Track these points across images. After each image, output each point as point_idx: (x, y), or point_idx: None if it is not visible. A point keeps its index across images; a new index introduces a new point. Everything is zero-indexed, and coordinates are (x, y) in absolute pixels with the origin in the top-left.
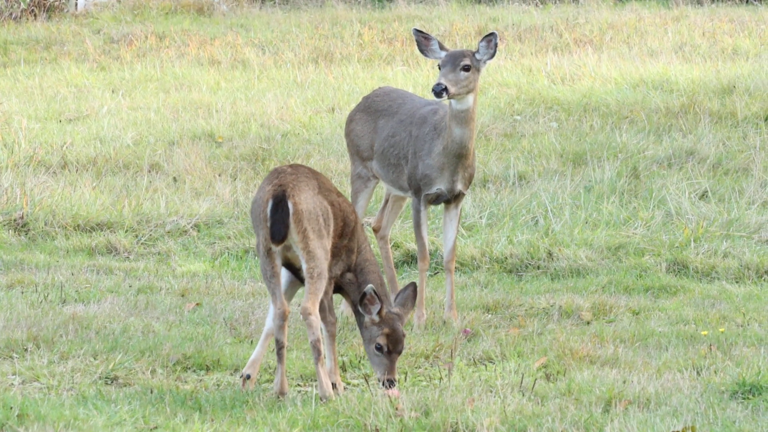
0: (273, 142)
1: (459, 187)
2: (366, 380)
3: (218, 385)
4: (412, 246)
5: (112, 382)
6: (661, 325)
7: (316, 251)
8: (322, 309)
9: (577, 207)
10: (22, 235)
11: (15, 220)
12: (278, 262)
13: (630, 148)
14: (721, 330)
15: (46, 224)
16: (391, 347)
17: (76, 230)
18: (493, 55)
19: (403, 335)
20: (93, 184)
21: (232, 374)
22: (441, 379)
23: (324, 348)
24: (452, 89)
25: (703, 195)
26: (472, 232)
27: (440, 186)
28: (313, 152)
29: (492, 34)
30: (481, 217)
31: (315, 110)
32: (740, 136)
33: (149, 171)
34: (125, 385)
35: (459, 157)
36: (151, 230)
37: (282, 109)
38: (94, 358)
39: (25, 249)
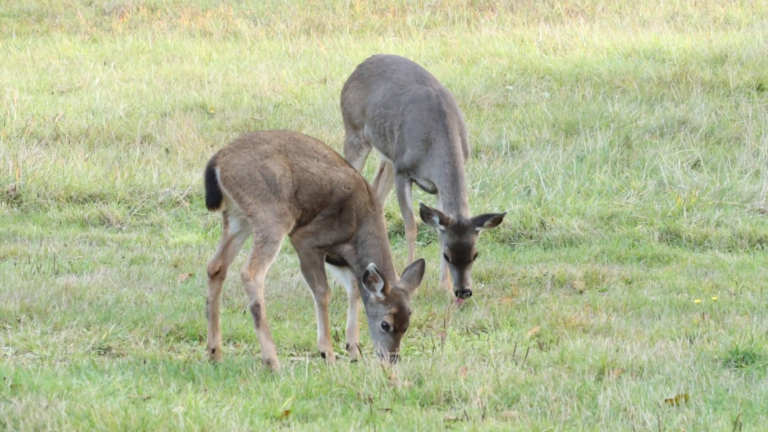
0: (265, 113)
1: None
2: (359, 349)
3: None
4: None
5: (105, 352)
6: (653, 293)
7: (258, 215)
8: (310, 278)
9: (569, 177)
10: (15, 206)
11: (7, 192)
12: (230, 227)
13: (622, 117)
14: (713, 298)
15: (38, 196)
16: (397, 326)
17: (68, 202)
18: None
19: (410, 313)
20: (85, 155)
21: (225, 344)
22: (434, 348)
23: (316, 318)
24: (471, 284)
25: (696, 164)
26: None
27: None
28: (306, 123)
29: (504, 214)
30: (473, 187)
31: (307, 81)
32: (732, 105)
33: (141, 142)
34: (118, 356)
35: None
36: (143, 201)
37: (274, 80)
38: (87, 329)
39: (18, 221)
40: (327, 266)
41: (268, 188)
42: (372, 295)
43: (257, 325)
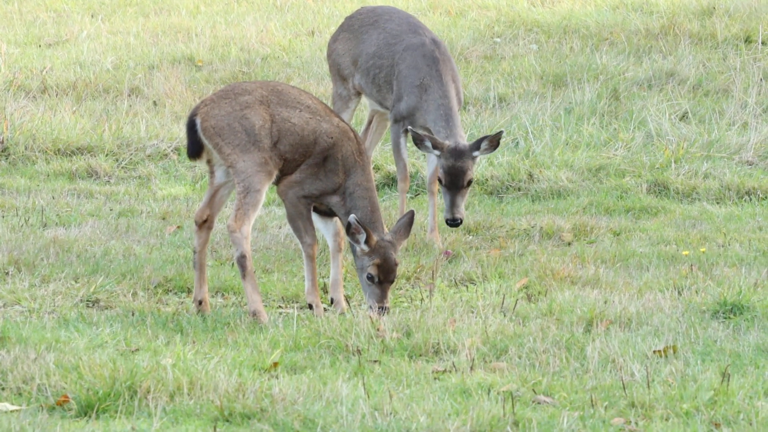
0: (253, 66)
1: None
2: (347, 301)
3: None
4: (393, 168)
5: (93, 304)
6: (642, 245)
7: (239, 164)
8: (297, 229)
9: (557, 129)
10: (3, 159)
11: None
12: (216, 176)
13: (610, 69)
14: (702, 250)
15: (26, 148)
16: (383, 277)
17: (56, 154)
18: (494, 149)
19: (396, 264)
20: (73, 108)
21: (213, 296)
22: (422, 300)
23: (304, 269)
24: (464, 214)
25: (684, 116)
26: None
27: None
28: (293, 75)
29: (500, 132)
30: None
31: (295, 33)
32: (720, 57)
33: (129, 95)
34: (106, 308)
35: None
36: (131, 154)
37: (262, 32)
38: (76, 281)
39: (6, 173)
40: (312, 217)
41: (248, 138)
42: (357, 247)
43: (243, 276)
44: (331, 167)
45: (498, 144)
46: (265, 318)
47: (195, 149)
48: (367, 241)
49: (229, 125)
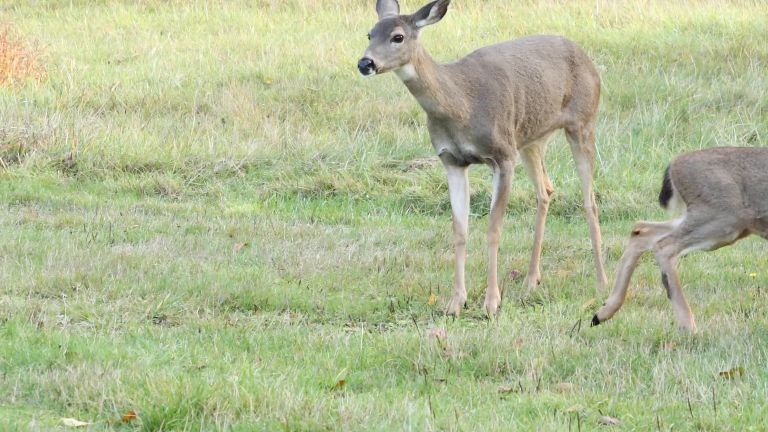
0: (321, 84)
1: (468, 148)
2: (414, 321)
3: (266, 324)
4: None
5: (160, 321)
6: (709, 267)
7: (693, 211)
8: None
9: (625, 150)
10: (71, 175)
11: (64, 161)
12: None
13: (678, 91)
14: None
15: (94, 165)
16: None
17: (124, 171)
18: (441, 17)
19: None
20: (141, 125)
21: (280, 314)
22: (489, 319)
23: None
24: (381, 63)
25: (752, 138)
26: (520, 175)
27: (444, 146)
28: (362, 94)
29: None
30: None
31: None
32: None
33: (198, 112)
34: (173, 325)
35: (444, 120)
36: (199, 171)
37: (330, 51)
38: (143, 298)
39: (74, 189)
40: None
41: (710, 192)
42: None
43: (668, 295)
44: None
45: (445, 10)
46: (692, 330)
47: (663, 194)
48: None
49: (691, 174)
